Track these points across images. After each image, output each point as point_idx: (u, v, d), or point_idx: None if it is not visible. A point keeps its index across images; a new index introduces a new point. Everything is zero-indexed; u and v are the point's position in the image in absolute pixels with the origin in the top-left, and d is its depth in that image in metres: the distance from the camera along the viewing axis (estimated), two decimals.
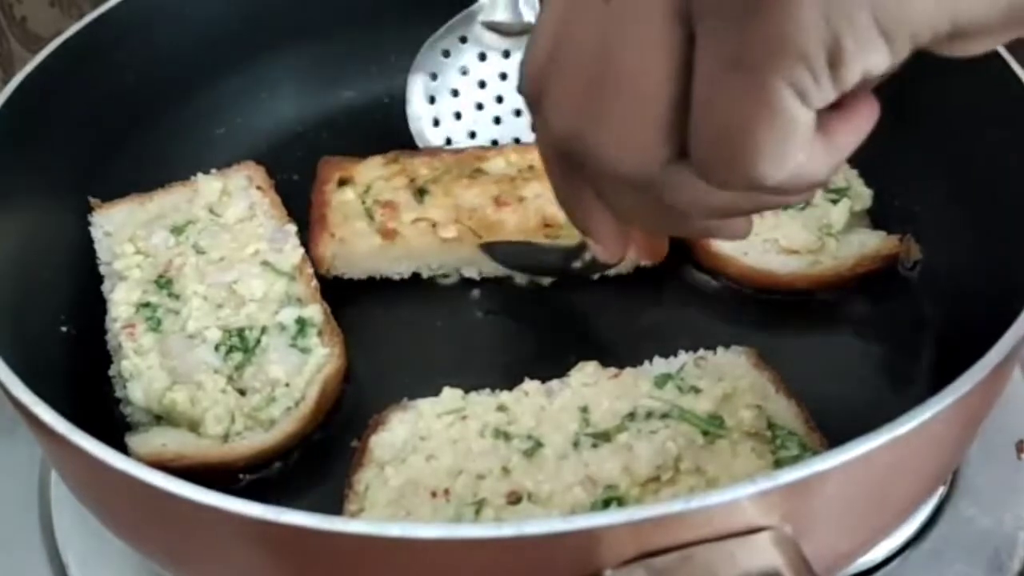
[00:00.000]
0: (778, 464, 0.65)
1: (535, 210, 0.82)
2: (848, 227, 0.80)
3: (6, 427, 0.74)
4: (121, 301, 0.76)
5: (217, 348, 0.73)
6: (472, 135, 0.92)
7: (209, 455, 0.68)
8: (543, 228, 0.80)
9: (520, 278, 0.81)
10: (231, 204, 0.82)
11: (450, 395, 0.71)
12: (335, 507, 0.66)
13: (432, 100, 0.92)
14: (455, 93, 0.92)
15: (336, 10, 0.97)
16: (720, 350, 0.73)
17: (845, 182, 0.83)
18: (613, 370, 0.71)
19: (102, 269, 0.80)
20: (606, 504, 0.62)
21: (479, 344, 0.78)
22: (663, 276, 0.81)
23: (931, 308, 0.78)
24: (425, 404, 0.70)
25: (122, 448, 0.68)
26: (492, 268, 0.81)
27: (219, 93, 0.94)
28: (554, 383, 0.71)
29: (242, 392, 0.71)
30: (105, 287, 0.78)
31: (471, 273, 0.82)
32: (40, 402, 0.55)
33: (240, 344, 0.73)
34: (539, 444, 0.66)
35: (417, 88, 0.92)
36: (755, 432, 0.66)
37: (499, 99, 0.92)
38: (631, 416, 0.68)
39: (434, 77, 0.92)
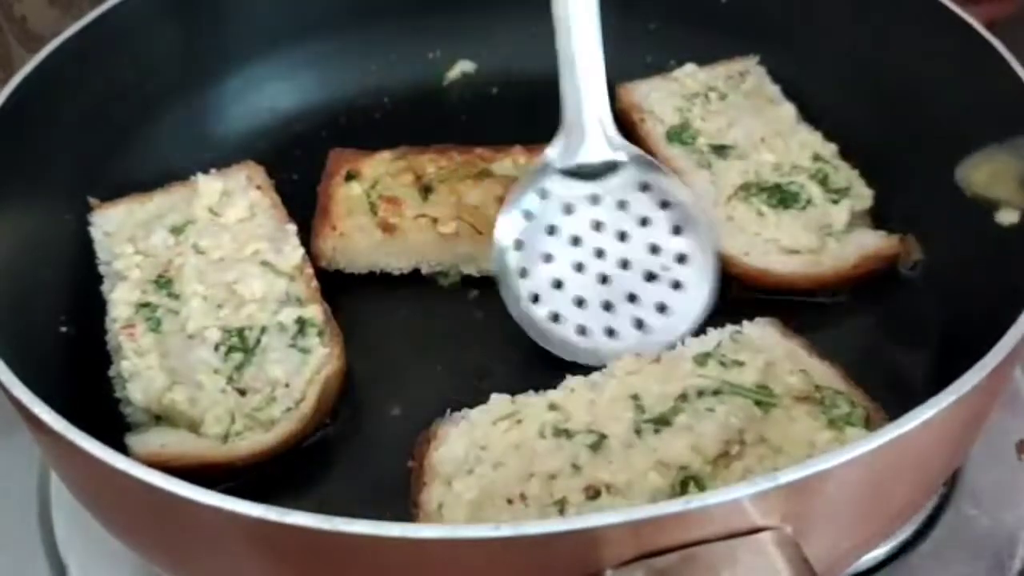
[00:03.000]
0: (832, 424, 0.65)
1: None
2: (849, 227, 0.80)
3: (6, 428, 0.74)
4: (121, 301, 0.75)
5: (217, 348, 0.73)
6: (580, 303, 0.77)
7: (209, 455, 0.68)
8: None
9: None
10: (231, 204, 0.82)
11: (498, 400, 0.70)
12: (335, 507, 0.66)
13: (524, 273, 0.77)
14: (548, 258, 0.78)
15: (336, 10, 0.97)
16: (746, 323, 0.74)
17: (846, 182, 0.83)
18: (652, 354, 0.72)
19: (102, 269, 0.79)
20: (683, 485, 0.62)
21: (478, 344, 0.78)
22: None
23: (931, 308, 0.77)
24: (476, 413, 0.69)
25: (122, 448, 0.67)
26: (491, 266, 0.81)
27: (219, 93, 0.94)
28: (596, 376, 0.71)
29: (242, 392, 0.71)
30: (105, 287, 0.78)
31: (470, 271, 0.82)
32: (40, 402, 0.55)
33: (240, 344, 0.73)
34: (602, 436, 0.66)
35: (507, 263, 0.77)
36: (805, 396, 0.67)
37: (599, 253, 0.78)
38: (683, 397, 0.67)
39: (519, 246, 0.78)
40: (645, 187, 0.79)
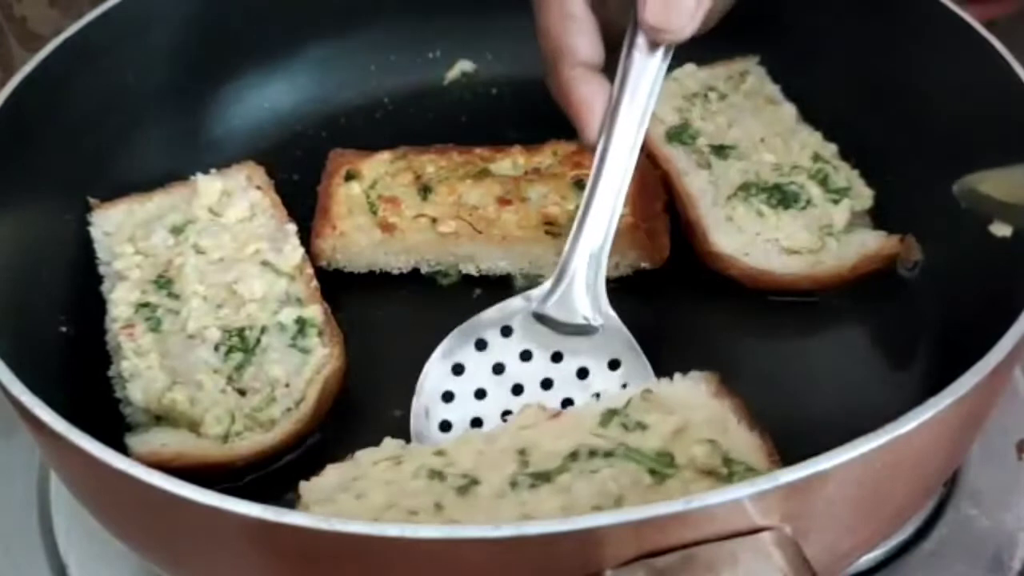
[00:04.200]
0: None
1: (536, 210, 0.82)
2: (849, 227, 0.80)
3: (5, 428, 0.74)
4: (121, 301, 0.75)
5: (217, 348, 0.73)
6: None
7: (209, 455, 0.68)
8: (543, 226, 0.80)
9: (520, 279, 0.82)
10: (231, 204, 0.82)
11: (389, 444, 0.66)
12: None
13: (449, 397, 0.73)
14: (480, 395, 0.73)
15: (336, 11, 0.97)
16: (678, 377, 0.69)
17: (846, 182, 0.83)
18: (553, 410, 0.67)
19: (102, 269, 0.80)
20: None
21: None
22: (664, 277, 0.81)
23: (931, 308, 0.77)
24: (361, 454, 0.65)
25: (122, 449, 0.67)
26: (490, 265, 0.81)
27: (219, 93, 0.94)
28: (495, 429, 0.67)
29: (242, 392, 0.71)
30: (105, 287, 0.78)
31: (470, 270, 0.82)
32: (39, 402, 0.55)
33: (240, 344, 0.73)
34: (474, 482, 0.61)
35: (433, 380, 0.72)
36: (710, 470, 0.61)
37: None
38: (573, 456, 0.62)
39: (459, 371, 0.73)
40: (614, 365, 0.72)
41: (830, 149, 0.86)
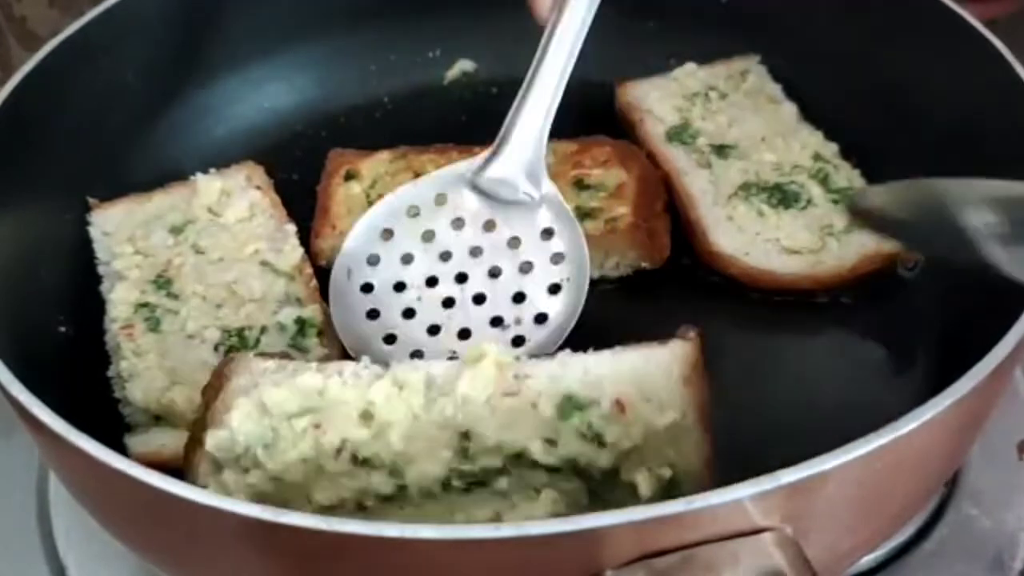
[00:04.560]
0: None
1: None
2: (849, 227, 0.80)
3: (5, 428, 0.74)
4: (120, 301, 0.75)
5: (216, 348, 0.73)
6: (410, 314, 0.71)
7: None
8: None
9: None
10: (230, 204, 0.82)
11: (307, 377, 0.59)
12: None
13: (374, 261, 0.72)
14: (407, 259, 0.73)
15: (335, 10, 0.97)
16: (653, 352, 0.62)
17: (847, 182, 0.83)
18: (511, 381, 0.60)
19: (101, 269, 0.79)
20: None
21: None
22: (664, 276, 0.81)
23: (931, 308, 0.77)
24: (271, 392, 0.59)
25: (121, 449, 0.67)
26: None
27: (219, 93, 0.94)
28: (438, 374, 0.60)
29: None
30: (104, 287, 0.78)
31: None
32: (38, 402, 0.55)
33: (239, 344, 0.73)
34: (402, 488, 0.57)
35: (360, 242, 0.72)
36: (650, 495, 0.57)
37: (461, 278, 0.72)
38: (517, 458, 0.57)
39: (388, 235, 0.73)
40: (548, 233, 0.73)
41: (831, 148, 0.86)
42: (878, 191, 0.70)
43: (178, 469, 0.60)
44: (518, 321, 0.71)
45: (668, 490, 0.57)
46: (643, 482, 0.57)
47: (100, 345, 0.75)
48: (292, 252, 0.79)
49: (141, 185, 0.85)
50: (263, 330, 0.74)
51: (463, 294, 0.72)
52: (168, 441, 0.69)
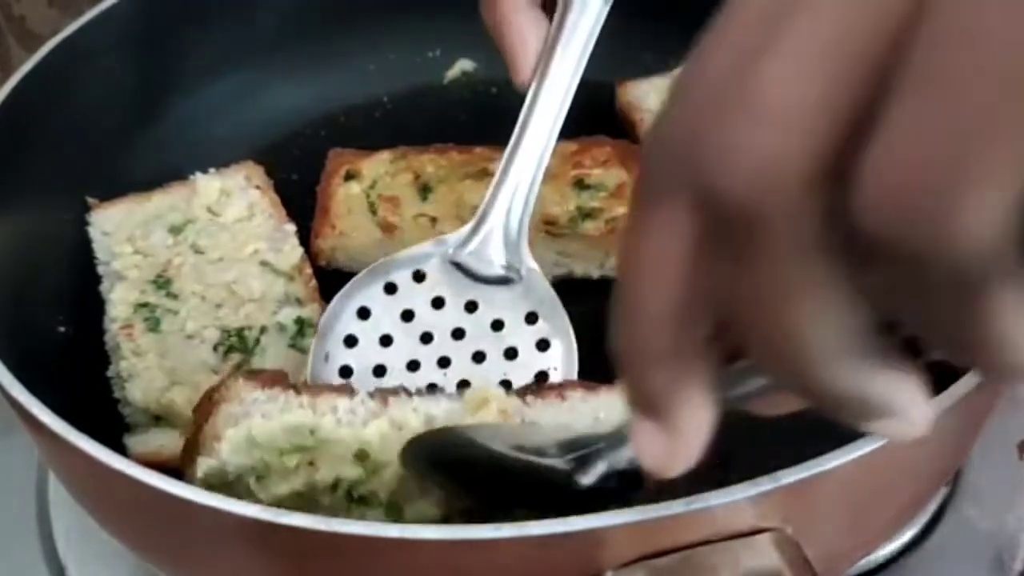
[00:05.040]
0: None
1: (536, 210, 0.81)
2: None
3: (4, 428, 0.74)
4: (119, 301, 0.75)
5: (216, 348, 0.73)
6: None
7: None
8: (544, 226, 0.80)
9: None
10: (230, 204, 0.82)
11: (297, 414, 0.57)
12: None
13: (352, 342, 0.69)
14: (386, 341, 0.69)
15: (335, 10, 0.97)
16: None
17: None
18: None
19: (100, 269, 0.79)
20: None
21: None
22: None
23: None
24: (260, 425, 0.57)
25: (120, 449, 0.67)
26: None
27: (218, 93, 0.94)
28: (438, 416, 0.58)
29: None
30: (103, 287, 0.78)
31: None
32: (37, 402, 0.55)
33: (239, 344, 0.73)
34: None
35: (337, 322, 0.69)
36: None
37: (443, 362, 0.68)
38: None
39: (364, 314, 0.69)
40: (532, 318, 0.69)
41: None
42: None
43: (178, 469, 0.60)
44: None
45: None
46: None
47: (100, 345, 0.75)
48: (292, 252, 0.79)
49: (141, 185, 0.85)
50: (263, 330, 0.74)
51: (446, 379, 0.67)
52: (168, 441, 0.69)
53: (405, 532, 0.46)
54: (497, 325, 0.69)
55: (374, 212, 0.83)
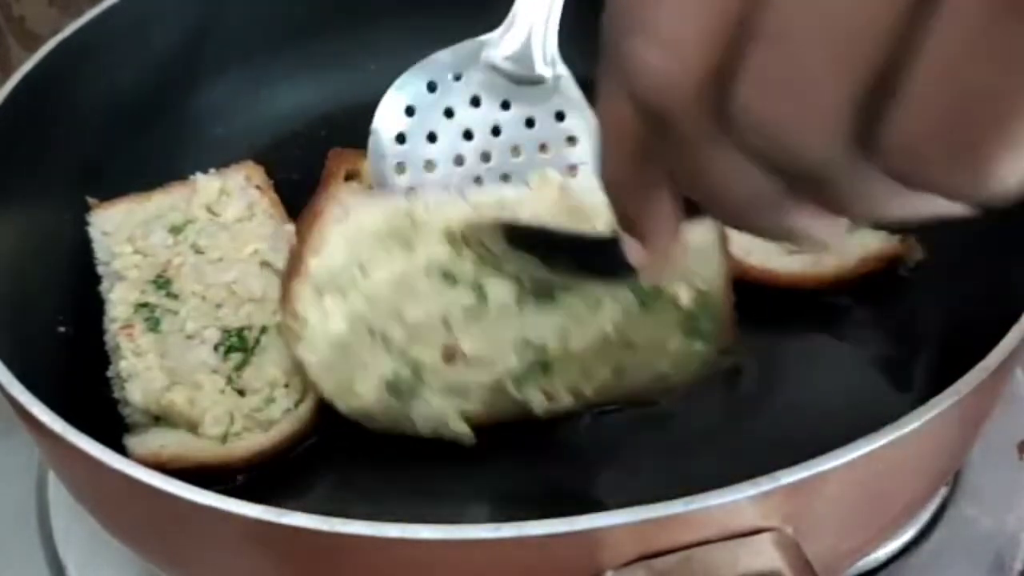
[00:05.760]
0: (686, 332, 0.65)
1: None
2: (850, 228, 0.80)
3: (4, 428, 0.74)
4: (119, 301, 0.75)
5: (216, 348, 0.73)
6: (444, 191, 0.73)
7: (208, 456, 0.68)
8: None
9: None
10: (230, 204, 0.82)
11: (390, 204, 0.67)
12: (335, 507, 0.65)
13: (402, 139, 0.75)
14: (432, 138, 0.75)
15: (335, 10, 0.97)
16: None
17: None
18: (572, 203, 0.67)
19: (100, 269, 0.79)
20: (531, 371, 0.62)
21: None
22: None
23: (932, 309, 0.77)
24: (362, 218, 0.66)
25: (120, 449, 0.67)
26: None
27: (218, 93, 0.94)
28: (509, 197, 0.68)
29: (241, 393, 0.71)
30: (103, 287, 0.78)
31: None
32: (38, 402, 0.55)
33: (239, 344, 0.73)
34: (483, 299, 0.63)
35: (387, 120, 0.75)
36: (683, 319, 0.65)
37: (485, 157, 0.75)
38: None
39: (410, 112, 0.75)
40: (560, 117, 0.75)
41: None
42: None
43: (178, 470, 0.60)
44: None
45: (701, 302, 0.65)
46: (683, 294, 0.65)
47: (100, 345, 0.75)
48: None
49: (141, 185, 0.85)
50: (263, 330, 0.74)
51: (488, 172, 0.75)
52: (168, 441, 0.69)
53: (405, 532, 0.46)
54: (530, 123, 0.75)
55: None
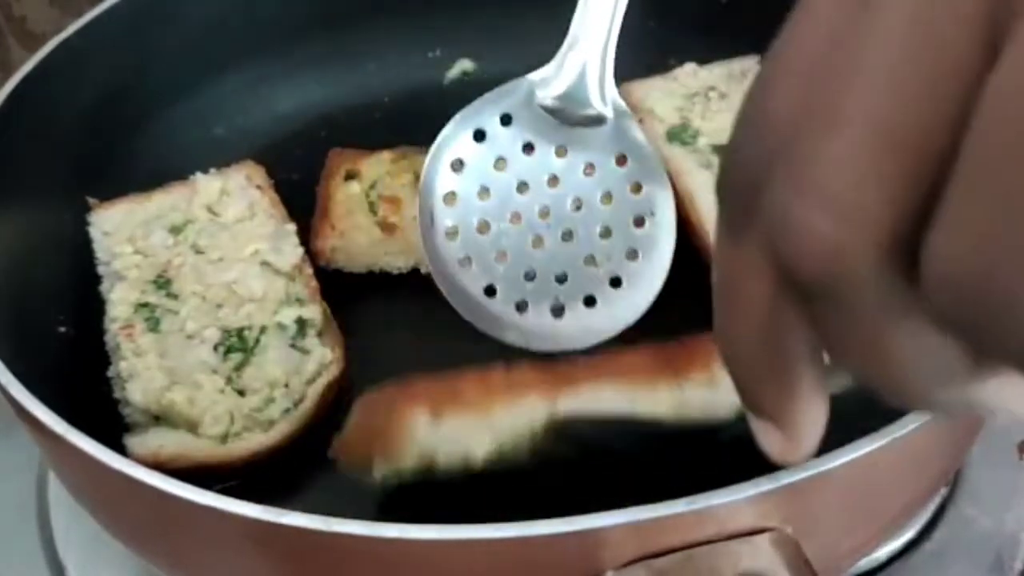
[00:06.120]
0: None
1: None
2: None
3: (4, 428, 0.74)
4: (119, 301, 0.75)
5: (216, 348, 0.73)
6: (502, 256, 0.66)
7: (208, 456, 0.68)
8: None
9: None
10: (230, 204, 0.82)
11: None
12: (335, 507, 0.65)
13: (451, 199, 0.67)
14: (483, 194, 0.67)
15: (335, 10, 0.97)
16: None
17: None
18: None
19: (100, 269, 0.79)
20: None
21: (479, 343, 0.78)
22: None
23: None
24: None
25: (120, 449, 0.67)
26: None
27: (218, 93, 0.94)
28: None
29: (241, 393, 0.71)
30: (103, 287, 0.78)
31: None
32: (38, 402, 0.55)
33: (239, 344, 0.73)
34: None
35: (433, 177, 0.67)
36: None
37: (544, 213, 0.67)
38: None
39: (459, 166, 0.67)
40: (622, 160, 0.68)
41: None
42: None
43: (177, 470, 0.60)
44: (609, 257, 0.67)
45: None
46: None
47: (100, 345, 0.75)
48: (292, 252, 0.79)
49: (141, 185, 0.85)
50: (263, 330, 0.74)
51: (549, 231, 0.67)
52: (168, 441, 0.69)
53: (405, 532, 0.46)
54: (589, 169, 0.68)
55: (374, 212, 0.83)
